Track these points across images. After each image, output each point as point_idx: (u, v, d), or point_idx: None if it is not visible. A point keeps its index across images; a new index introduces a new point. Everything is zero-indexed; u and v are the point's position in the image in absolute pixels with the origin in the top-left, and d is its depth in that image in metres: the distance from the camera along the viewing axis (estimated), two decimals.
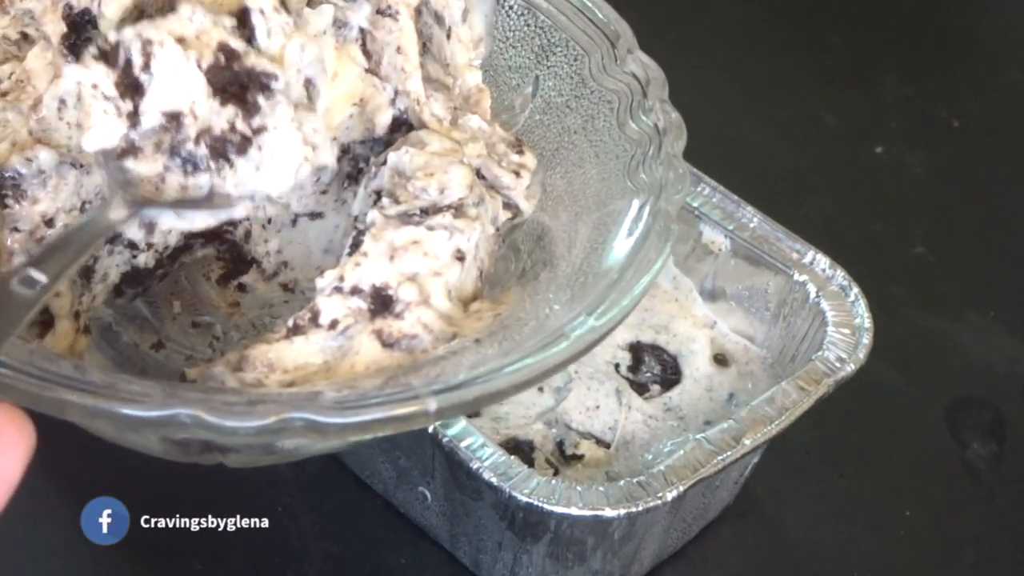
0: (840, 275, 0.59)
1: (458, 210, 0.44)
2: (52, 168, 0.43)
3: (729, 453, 0.51)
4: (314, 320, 0.42)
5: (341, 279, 0.42)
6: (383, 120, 0.48)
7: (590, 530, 0.51)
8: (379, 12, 0.48)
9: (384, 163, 0.46)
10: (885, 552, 0.60)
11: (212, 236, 0.49)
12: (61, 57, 0.44)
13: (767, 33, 0.95)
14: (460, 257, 0.43)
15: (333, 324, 0.42)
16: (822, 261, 0.60)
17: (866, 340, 0.56)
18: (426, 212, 0.44)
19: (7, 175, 0.43)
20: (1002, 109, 0.90)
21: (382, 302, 0.42)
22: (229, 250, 0.50)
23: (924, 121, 0.88)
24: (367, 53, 0.48)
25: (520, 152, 0.49)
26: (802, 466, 0.63)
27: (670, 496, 0.49)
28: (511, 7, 0.52)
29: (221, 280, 0.51)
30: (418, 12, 0.49)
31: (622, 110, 0.48)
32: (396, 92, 0.48)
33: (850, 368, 0.55)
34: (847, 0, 0.98)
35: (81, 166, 0.44)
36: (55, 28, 0.44)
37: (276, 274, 0.50)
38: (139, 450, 0.43)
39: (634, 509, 0.49)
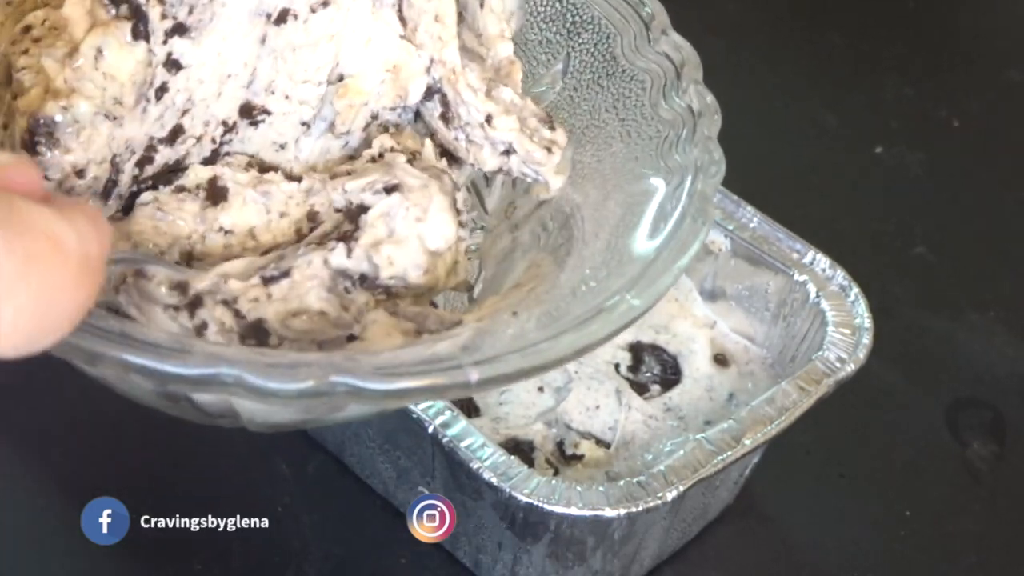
0: (840, 275, 0.59)
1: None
2: (88, 119, 0.43)
3: (729, 453, 0.51)
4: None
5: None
6: (416, 88, 0.47)
7: (590, 530, 0.51)
8: None
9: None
10: (885, 552, 0.60)
11: None
12: (101, 7, 0.44)
13: (767, 33, 0.95)
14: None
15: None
16: (822, 261, 0.60)
17: (866, 340, 0.56)
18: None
19: (42, 122, 0.42)
20: (1002, 109, 0.90)
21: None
22: None
23: (924, 121, 0.88)
24: (403, 19, 0.47)
25: (551, 128, 0.48)
26: (802, 466, 0.63)
27: (670, 496, 0.49)
28: None
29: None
30: None
31: (654, 91, 0.48)
32: (431, 60, 0.47)
33: (850, 368, 0.55)
34: (847, 0, 0.98)
35: (115, 118, 0.44)
36: None
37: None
38: (153, 406, 0.43)
39: (634, 509, 0.49)
